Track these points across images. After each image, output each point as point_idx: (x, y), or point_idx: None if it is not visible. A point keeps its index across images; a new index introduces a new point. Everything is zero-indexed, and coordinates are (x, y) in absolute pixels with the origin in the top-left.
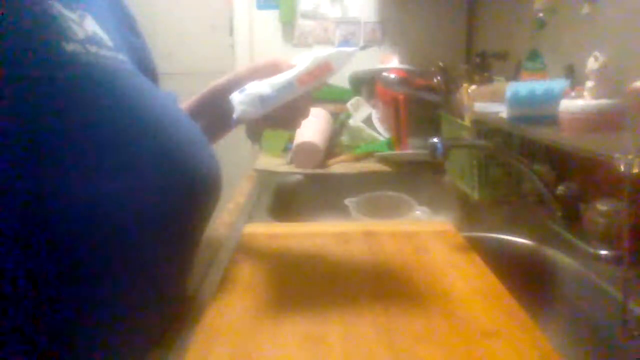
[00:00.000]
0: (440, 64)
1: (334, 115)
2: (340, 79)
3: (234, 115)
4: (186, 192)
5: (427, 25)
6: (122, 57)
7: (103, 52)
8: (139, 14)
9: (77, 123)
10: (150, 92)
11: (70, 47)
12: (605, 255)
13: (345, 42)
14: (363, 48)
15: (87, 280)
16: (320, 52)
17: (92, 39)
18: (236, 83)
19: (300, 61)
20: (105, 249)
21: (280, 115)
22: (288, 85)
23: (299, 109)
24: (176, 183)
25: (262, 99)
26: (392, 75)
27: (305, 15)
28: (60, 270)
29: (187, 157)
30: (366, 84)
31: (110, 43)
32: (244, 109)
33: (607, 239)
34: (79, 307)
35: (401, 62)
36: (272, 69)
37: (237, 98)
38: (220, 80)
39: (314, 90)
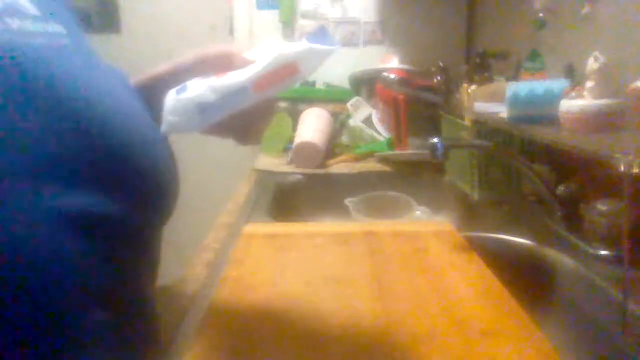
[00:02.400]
0: (440, 64)
1: (334, 115)
2: (341, 79)
3: (162, 128)
4: (131, 192)
5: (427, 25)
6: (53, 27)
7: (27, 25)
8: (140, 14)
9: None
10: (91, 74)
11: None
12: (605, 255)
13: (318, 34)
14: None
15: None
16: (284, 48)
17: (10, 9)
18: (177, 76)
19: (259, 56)
20: (40, 264)
21: (231, 124)
22: (240, 91)
23: (257, 117)
24: (122, 186)
25: (202, 108)
26: (392, 75)
27: (305, 15)
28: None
29: (137, 154)
30: (366, 84)
31: (36, 11)
32: (175, 120)
33: (607, 239)
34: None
35: (401, 62)
36: (222, 62)
37: (169, 102)
38: (159, 69)
39: (276, 94)
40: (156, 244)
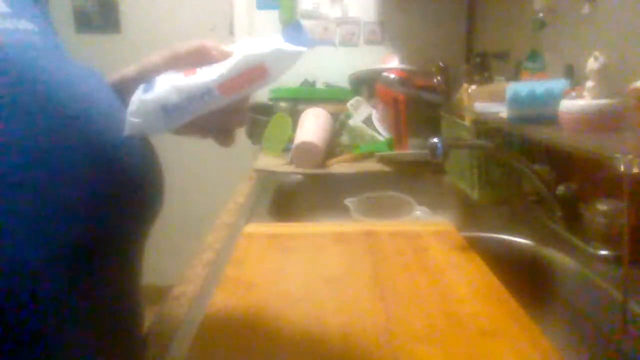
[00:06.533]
0: (440, 64)
1: (334, 115)
2: (341, 79)
3: (125, 130)
4: (113, 196)
5: (427, 25)
6: (24, 25)
7: None
8: (140, 14)
9: None
10: (62, 72)
11: None
12: (605, 255)
13: (292, 30)
14: (315, 44)
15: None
16: (252, 49)
17: None
18: (146, 78)
19: (236, 52)
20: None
21: (203, 125)
22: (205, 93)
23: (229, 118)
24: (103, 189)
25: (166, 110)
26: (392, 75)
27: (305, 15)
28: None
29: (116, 154)
30: (366, 84)
31: (6, 8)
32: (139, 122)
33: (607, 239)
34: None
35: (401, 62)
36: (195, 59)
37: (133, 103)
38: (128, 70)
39: (246, 96)
40: (142, 247)
